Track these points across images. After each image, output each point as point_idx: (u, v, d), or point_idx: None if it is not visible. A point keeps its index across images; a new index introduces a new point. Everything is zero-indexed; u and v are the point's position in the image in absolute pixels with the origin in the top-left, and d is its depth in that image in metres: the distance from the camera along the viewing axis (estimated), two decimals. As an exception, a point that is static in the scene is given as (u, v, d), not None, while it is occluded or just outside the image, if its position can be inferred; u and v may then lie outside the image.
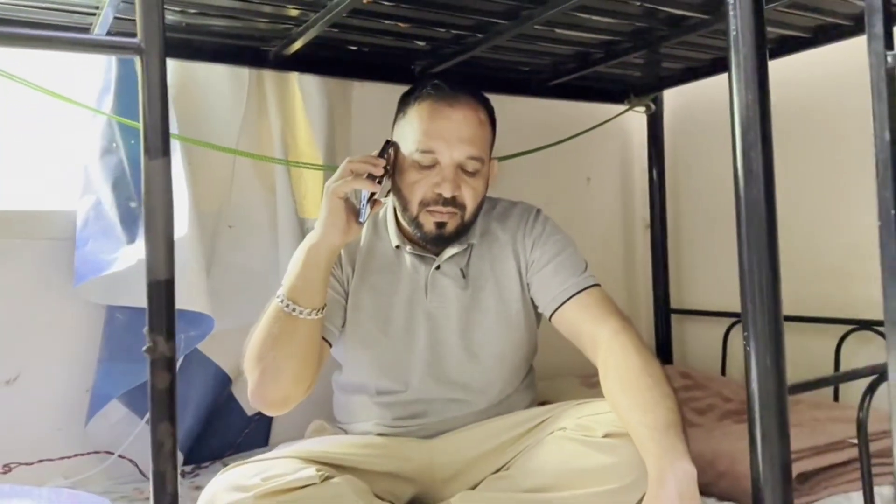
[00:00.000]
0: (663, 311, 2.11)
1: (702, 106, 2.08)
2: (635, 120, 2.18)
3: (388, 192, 1.29)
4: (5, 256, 1.41)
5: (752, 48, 0.86)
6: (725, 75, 1.92)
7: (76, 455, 1.42)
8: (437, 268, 1.25)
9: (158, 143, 0.60)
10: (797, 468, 1.25)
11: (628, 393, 1.06)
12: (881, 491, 1.29)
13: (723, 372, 1.96)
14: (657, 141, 2.12)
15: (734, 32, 0.85)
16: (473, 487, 1.15)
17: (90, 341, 1.46)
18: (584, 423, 1.08)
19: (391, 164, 1.20)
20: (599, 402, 1.12)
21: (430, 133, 1.18)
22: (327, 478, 1.04)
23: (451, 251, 1.25)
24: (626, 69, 1.87)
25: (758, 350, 0.86)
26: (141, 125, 0.60)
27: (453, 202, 1.18)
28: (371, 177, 1.12)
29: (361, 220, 1.14)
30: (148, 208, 0.59)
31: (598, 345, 1.17)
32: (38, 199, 1.52)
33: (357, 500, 1.03)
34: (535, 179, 2.04)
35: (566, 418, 1.11)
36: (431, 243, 1.23)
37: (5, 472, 1.35)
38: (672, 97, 2.12)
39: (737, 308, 2.11)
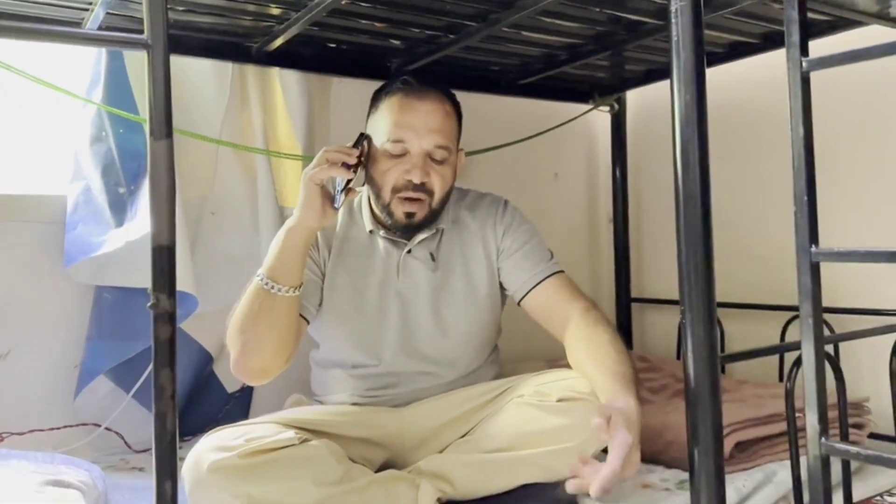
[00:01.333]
0: (624, 299, 2.22)
1: (662, 106, 2.19)
2: (600, 119, 2.29)
3: (364, 183, 1.38)
4: (-1, 238, 1.49)
5: (691, 53, 0.97)
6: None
7: (65, 426, 1.50)
8: (409, 252, 1.35)
9: (163, 127, 0.69)
10: (737, 437, 1.36)
11: (594, 355, 1.19)
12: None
13: (678, 356, 2.08)
14: (620, 139, 2.24)
15: (676, 38, 0.96)
16: (440, 452, 1.24)
17: (79, 319, 1.53)
18: (541, 389, 1.19)
19: (365, 155, 1.29)
20: (555, 371, 1.23)
21: (399, 124, 1.27)
22: (305, 440, 1.13)
23: (421, 236, 1.34)
24: (591, 70, 1.98)
25: (693, 322, 0.96)
26: (147, 111, 0.69)
27: (423, 188, 1.28)
28: (346, 165, 1.21)
29: (336, 205, 1.23)
30: (153, 182, 0.68)
31: (568, 321, 1.27)
32: (30, 185, 1.58)
33: (333, 462, 1.12)
34: (506, 174, 2.14)
35: (524, 386, 1.22)
36: (401, 231, 1.33)
37: (-2, 442, 1.42)
38: (634, 98, 2.24)
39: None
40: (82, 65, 1.56)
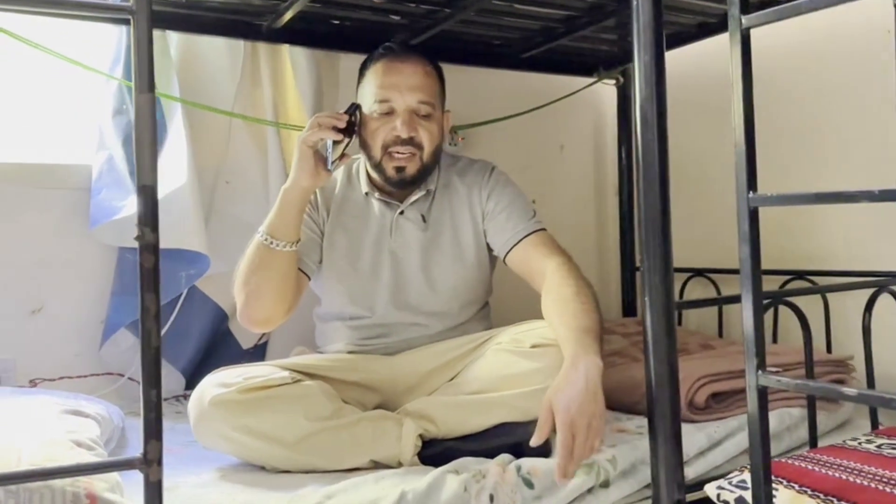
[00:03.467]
0: (629, 268, 2.29)
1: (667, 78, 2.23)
2: (608, 92, 2.34)
3: (359, 150, 1.48)
4: (31, 204, 1.62)
5: (649, 17, 1.04)
6: (686, 49, 2.12)
7: (92, 375, 1.64)
8: (401, 213, 1.44)
9: (146, 82, 0.79)
10: (712, 388, 1.42)
11: (560, 307, 1.26)
12: (791, 412, 1.47)
13: (679, 322, 2.13)
14: (626, 112, 2.29)
15: (635, 3, 1.03)
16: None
17: (104, 278, 1.67)
18: (517, 337, 1.28)
19: (357, 123, 1.39)
20: (530, 322, 1.32)
21: (384, 85, 1.37)
22: (298, 380, 1.24)
23: (413, 197, 1.43)
24: (595, 44, 2.04)
25: (650, 270, 1.04)
26: (133, 70, 0.79)
27: (411, 142, 1.36)
28: (335, 129, 1.31)
29: (329, 167, 1.33)
30: (138, 131, 0.78)
31: (543, 277, 1.35)
32: (58, 154, 1.72)
33: (324, 399, 1.23)
34: (512, 146, 2.21)
35: (502, 335, 1.32)
36: (395, 186, 1.42)
37: (31, 386, 1.56)
38: (640, 70, 2.28)
39: (692, 264, 2.31)
40: (106, 45, 1.69)
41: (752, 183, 0.92)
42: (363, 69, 1.44)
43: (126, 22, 1.63)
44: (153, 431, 0.79)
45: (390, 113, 1.37)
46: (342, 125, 1.31)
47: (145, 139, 0.79)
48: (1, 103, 1.67)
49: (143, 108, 0.79)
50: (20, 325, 1.60)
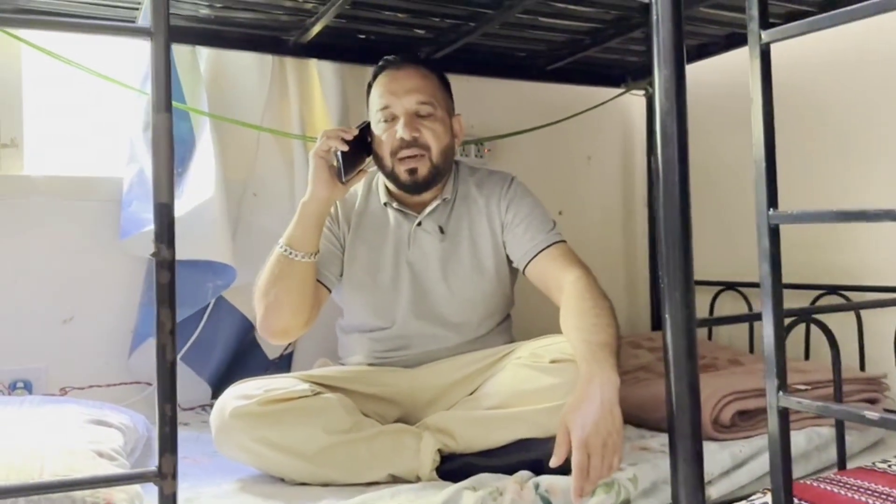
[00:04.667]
0: (658, 281, 2.26)
1: (695, 89, 2.21)
2: (637, 103, 2.32)
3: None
4: (63, 215, 1.67)
5: (669, 29, 1.03)
6: (713, 60, 2.11)
7: (121, 383, 1.67)
8: (419, 224, 1.44)
9: (163, 101, 0.80)
10: (738, 406, 1.40)
11: (578, 321, 1.25)
12: (820, 431, 1.43)
13: (709, 336, 2.10)
14: (654, 123, 2.26)
15: (655, 17, 1.02)
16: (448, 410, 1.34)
17: (133, 288, 1.71)
18: (536, 352, 1.27)
19: (371, 140, 1.41)
20: (550, 336, 1.31)
21: (384, 94, 1.40)
22: (318, 393, 1.25)
23: (429, 207, 1.44)
24: (623, 55, 2.02)
25: (670, 285, 1.02)
26: (152, 89, 0.81)
27: (416, 143, 1.37)
28: (344, 141, 1.33)
29: (342, 179, 1.34)
30: (155, 149, 0.80)
31: (561, 289, 1.35)
32: (90, 167, 1.77)
33: (343, 412, 1.24)
34: (538, 158, 2.21)
35: (522, 349, 1.31)
36: (410, 191, 1.42)
37: (62, 394, 1.60)
38: (669, 81, 2.25)
39: (723, 277, 2.28)
40: (139, 61, 1.72)
41: (772, 200, 0.91)
42: (369, 89, 1.47)
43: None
44: (168, 445, 0.79)
45: (393, 120, 1.39)
46: (349, 137, 1.33)
47: (162, 158, 0.80)
48: (35, 117, 1.71)
49: (161, 127, 0.80)
50: (52, 335, 1.64)
